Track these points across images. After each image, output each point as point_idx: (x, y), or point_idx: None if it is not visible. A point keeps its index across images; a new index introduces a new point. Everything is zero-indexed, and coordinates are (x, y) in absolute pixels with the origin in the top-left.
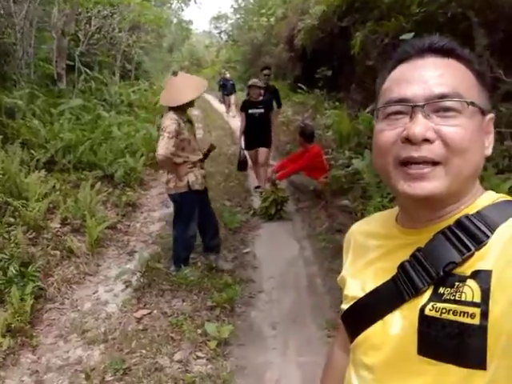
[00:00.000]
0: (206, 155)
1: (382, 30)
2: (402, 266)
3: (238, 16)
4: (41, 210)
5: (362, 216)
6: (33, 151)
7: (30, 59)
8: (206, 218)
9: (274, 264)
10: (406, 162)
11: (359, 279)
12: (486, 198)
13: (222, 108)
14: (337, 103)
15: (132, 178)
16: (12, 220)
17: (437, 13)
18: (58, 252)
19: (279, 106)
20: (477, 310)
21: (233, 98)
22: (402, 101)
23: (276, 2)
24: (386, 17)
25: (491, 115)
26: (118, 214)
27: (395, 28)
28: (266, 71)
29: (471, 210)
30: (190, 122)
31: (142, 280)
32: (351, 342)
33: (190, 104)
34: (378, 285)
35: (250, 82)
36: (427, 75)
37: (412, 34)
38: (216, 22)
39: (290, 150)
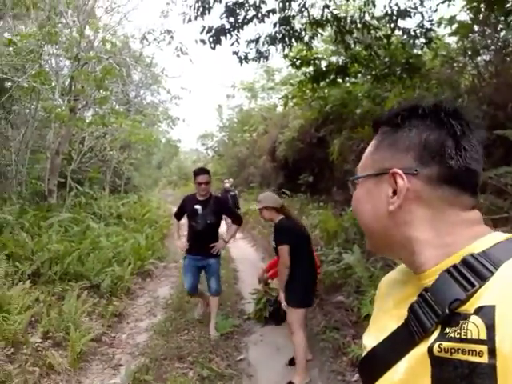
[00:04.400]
0: None
1: (357, 136)
2: (411, 308)
3: (223, 133)
4: (22, 324)
5: (359, 312)
6: (18, 263)
7: (23, 178)
8: None
9: (271, 371)
10: None
11: (374, 330)
12: (491, 238)
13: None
14: (321, 204)
15: (119, 287)
16: None
17: None
18: (37, 369)
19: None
20: (484, 348)
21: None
22: None
23: (257, 120)
24: (359, 125)
25: (393, 170)
26: (103, 325)
27: (369, 134)
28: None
29: (476, 249)
30: None
31: None
32: None
33: None
34: (391, 331)
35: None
36: None
37: None
38: (202, 140)
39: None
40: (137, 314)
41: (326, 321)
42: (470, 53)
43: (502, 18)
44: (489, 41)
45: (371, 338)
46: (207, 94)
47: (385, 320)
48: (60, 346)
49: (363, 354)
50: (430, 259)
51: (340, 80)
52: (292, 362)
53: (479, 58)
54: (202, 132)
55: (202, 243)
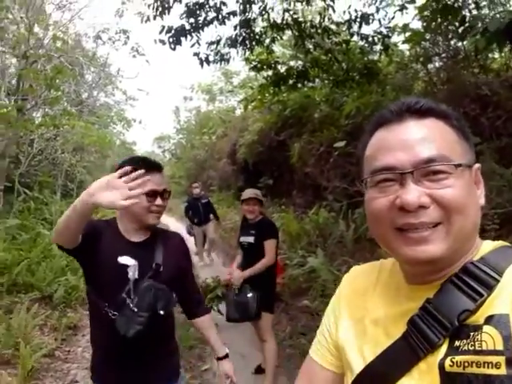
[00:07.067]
0: None
1: (316, 141)
2: (412, 321)
3: (181, 136)
4: None
5: None
6: None
7: None
8: None
9: (238, 380)
10: (405, 227)
11: (365, 343)
12: (486, 246)
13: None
14: (282, 207)
15: (73, 297)
16: None
17: (363, 123)
18: None
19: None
20: (501, 359)
21: (210, 228)
22: (388, 169)
23: (216, 122)
24: (318, 129)
25: (477, 165)
26: (56, 339)
27: (328, 138)
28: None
29: (475, 257)
30: None
31: None
32: None
33: None
34: (387, 345)
35: (249, 193)
36: (410, 140)
37: (344, 142)
38: (159, 142)
39: None
40: None
41: (292, 326)
42: (422, 60)
43: (454, 27)
44: (440, 49)
45: (362, 352)
46: (164, 96)
47: (378, 332)
48: (9, 364)
49: (355, 372)
50: None
51: (300, 84)
52: (258, 371)
53: (431, 65)
54: (159, 134)
55: (139, 359)
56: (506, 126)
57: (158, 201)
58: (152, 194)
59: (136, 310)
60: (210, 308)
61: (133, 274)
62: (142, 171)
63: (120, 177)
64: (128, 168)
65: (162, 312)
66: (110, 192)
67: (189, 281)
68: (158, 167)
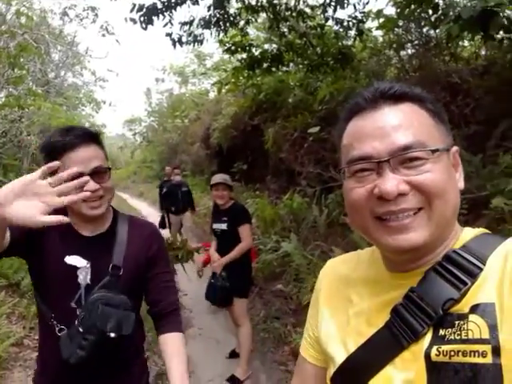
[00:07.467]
0: None
1: (290, 126)
2: (395, 310)
3: (152, 119)
4: None
5: (298, 299)
6: None
7: None
8: None
9: (212, 365)
10: (385, 216)
11: (348, 334)
12: (467, 234)
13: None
14: (257, 192)
15: None
16: None
17: (337, 109)
18: None
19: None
20: (487, 347)
21: (187, 217)
22: (365, 158)
23: (189, 105)
24: (292, 114)
25: (455, 148)
26: (25, 328)
27: (302, 123)
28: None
29: (456, 245)
30: None
31: None
32: None
33: None
34: (370, 335)
35: (217, 178)
36: (386, 127)
37: (318, 127)
38: (129, 125)
39: None
40: None
41: (266, 310)
42: (395, 46)
43: (426, 14)
44: (413, 36)
45: (345, 343)
46: (135, 77)
47: (360, 322)
48: None
49: (337, 363)
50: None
51: (274, 68)
52: (232, 355)
53: (403, 52)
54: (129, 116)
55: None
56: (475, 113)
57: (90, 185)
58: (76, 179)
59: (81, 329)
60: (181, 328)
61: (84, 278)
62: (86, 178)
63: (44, 176)
64: (56, 163)
65: (112, 335)
66: (26, 201)
67: (159, 283)
68: (86, 138)
